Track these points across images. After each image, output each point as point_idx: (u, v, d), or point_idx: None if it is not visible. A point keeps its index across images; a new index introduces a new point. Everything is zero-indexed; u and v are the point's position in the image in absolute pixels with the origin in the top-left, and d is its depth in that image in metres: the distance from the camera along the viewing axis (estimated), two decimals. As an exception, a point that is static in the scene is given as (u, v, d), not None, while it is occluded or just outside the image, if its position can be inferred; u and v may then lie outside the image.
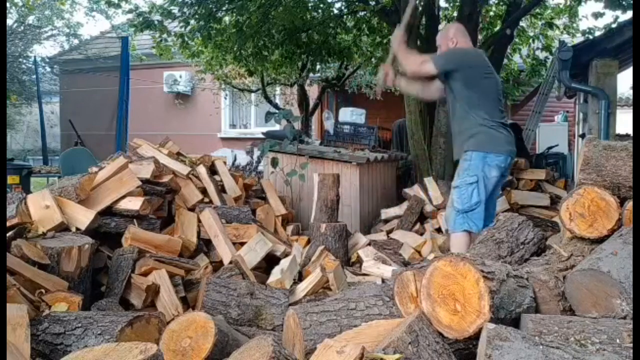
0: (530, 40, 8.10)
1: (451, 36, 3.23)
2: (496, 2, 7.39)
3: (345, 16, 7.40)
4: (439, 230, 4.34)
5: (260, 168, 7.03)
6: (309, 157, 4.80)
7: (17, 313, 1.67)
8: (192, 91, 11.96)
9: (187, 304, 2.72)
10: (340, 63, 8.68)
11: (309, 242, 3.85)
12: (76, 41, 13.43)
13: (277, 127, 7.59)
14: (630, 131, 6.16)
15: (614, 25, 6.23)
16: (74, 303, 2.09)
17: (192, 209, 3.54)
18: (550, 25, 7.64)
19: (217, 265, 3.14)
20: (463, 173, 3.04)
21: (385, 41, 7.59)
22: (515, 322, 1.69)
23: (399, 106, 6.76)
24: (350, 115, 6.24)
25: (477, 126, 3.02)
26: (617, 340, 1.42)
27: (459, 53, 3.16)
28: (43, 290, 2.11)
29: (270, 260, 3.33)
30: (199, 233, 3.29)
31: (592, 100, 5.69)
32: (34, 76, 11.53)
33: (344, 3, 7.31)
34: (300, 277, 3.10)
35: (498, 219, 2.64)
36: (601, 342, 1.41)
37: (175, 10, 6.29)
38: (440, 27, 6.54)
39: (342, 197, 4.20)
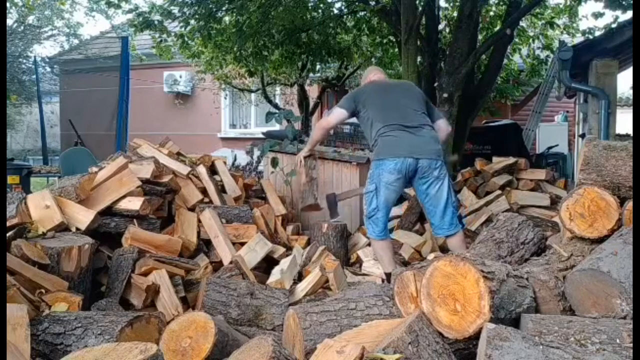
0: (530, 40, 8.10)
1: (365, 77, 3.66)
2: (496, 2, 7.39)
3: (345, 16, 7.40)
4: (439, 230, 4.33)
5: (260, 168, 7.03)
6: (309, 157, 4.79)
7: (17, 313, 1.67)
8: (192, 91, 11.96)
9: (187, 304, 2.71)
10: (340, 63, 8.68)
11: (309, 242, 3.85)
12: (76, 41, 13.43)
13: (277, 127, 7.59)
14: (630, 131, 6.16)
15: (614, 25, 6.23)
16: (74, 303, 2.09)
17: (192, 209, 3.54)
18: (550, 25, 7.64)
19: (217, 265, 3.14)
20: (366, 181, 3.25)
21: (385, 41, 7.60)
22: (515, 322, 1.69)
23: (399, 106, 6.74)
24: (350, 115, 6.22)
25: (375, 139, 3.21)
26: (617, 340, 1.42)
27: (350, 94, 3.52)
28: (43, 290, 2.11)
29: (270, 261, 3.33)
30: (199, 233, 3.29)
31: (592, 100, 5.69)
32: (34, 76, 11.53)
33: (344, 3, 7.31)
34: (301, 278, 3.10)
35: (498, 219, 2.64)
36: (601, 342, 1.41)
37: (175, 10, 6.29)
38: (440, 27, 6.55)
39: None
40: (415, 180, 3.14)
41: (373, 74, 3.61)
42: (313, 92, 9.93)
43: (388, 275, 3.02)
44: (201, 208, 3.48)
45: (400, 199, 5.01)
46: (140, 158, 3.61)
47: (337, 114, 3.40)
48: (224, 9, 6.35)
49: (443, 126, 3.42)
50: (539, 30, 8.05)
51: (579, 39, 7.61)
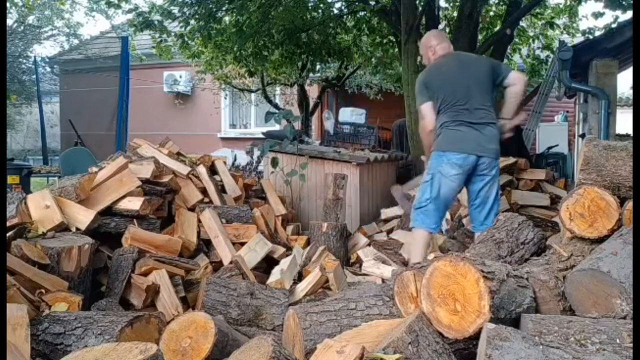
0: (530, 40, 8.11)
1: (430, 45, 3.40)
2: (496, 2, 7.39)
3: (345, 16, 7.40)
4: (439, 230, 4.33)
5: (260, 168, 7.03)
6: (309, 157, 4.80)
7: (17, 313, 1.67)
8: (192, 91, 11.96)
9: (187, 304, 2.72)
10: (340, 63, 8.69)
11: (309, 242, 3.85)
12: (76, 41, 13.44)
13: (277, 127, 7.60)
14: (630, 131, 6.16)
15: (614, 25, 6.24)
16: (74, 303, 2.09)
17: (192, 209, 3.54)
18: (550, 25, 7.65)
19: (217, 265, 3.14)
20: (425, 172, 3.23)
21: (385, 41, 7.60)
22: (515, 322, 1.69)
23: (399, 106, 6.76)
24: (350, 115, 6.24)
25: (438, 129, 3.18)
26: (617, 340, 1.42)
27: (417, 84, 3.33)
28: (43, 290, 2.11)
29: (270, 261, 3.33)
30: (199, 233, 3.29)
31: (592, 100, 5.69)
32: (34, 76, 11.54)
33: (344, 3, 7.31)
34: (301, 278, 3.10)
35: (498, 219, 2.64)
36: (601, 342, 1.41)
37: (175, 10, 6.30)
38: (440, 27, 6.56)
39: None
40: (472, 176, 3.15)
41: (436, 44, 3.35)
42: (313, 92, 9.93)
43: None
44: (201, 208, 3.48)
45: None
46: (140, 158, 3.61)
47: (428, 111, 3.23)
48: (224, 9, 6.35)
49: (517, 76, 3.25)
50: (539, 30, 8.06)
51: (579, 39, 7.61)
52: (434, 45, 3.37)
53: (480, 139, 3.09)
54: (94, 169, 3.46)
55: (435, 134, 3.20)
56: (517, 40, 7.73)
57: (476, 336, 1.46)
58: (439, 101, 3.17)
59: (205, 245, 3.32)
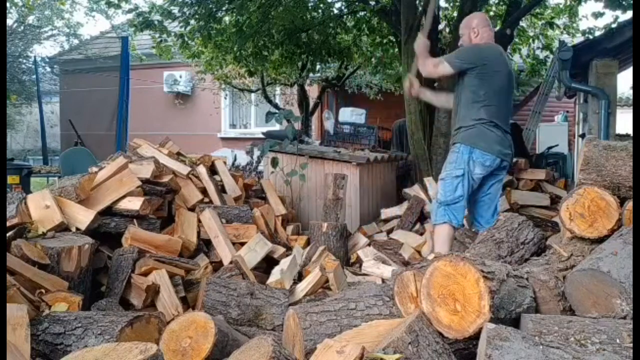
0: (530, 40, 8.11)
1: (474, 26, 3.27)
2: (496, 2, 7.39)
3: (345, 16, 7.40)
4: (439, 230, 4.32)
5: (260, 168, 7.03)
6: (309, 157, 4.80)
7: (17, 313, 1.67)
8: (192, 91, 11.96)
9: (187, 304, 2.71)
10: (340, 63, 8.69)
11: (309, 242, 3.84)
12: (76, 41, 13.45)
13: (277, 127, 7.60)
14: (630, 131, 6.16)
15: (614, 25, 6.24)
16: (74, 303, 2.09)
17: (192, 209, 3.54)
18: (550, 25, 7.65)
19: (217, 265, 3.14)
20: (450, 165, 3.17)
21: (385, 41, 7.60)
22: (515, 322, 1.69)
23: (399, 106, 6.76)
24: (350, 115, 6.23)
25: (472, 121, 3.13)
26: (617, 340, 1.42)
27: (473, 51, 3.20)
28: (43, 290, 2.11)
29: (270, 261, 3.33)
30: (199, 233, 3.29)
31: (592, 100, 5.69)
32: (34, 76, 11.54)
33: (344, 3, 7.31)
34: (301, 278, 3.10)
35: (498, 219, 2.64)
36: (601, 342, 1.41)
37: (175, 10, 6.30)
38: (440, 27, 6.56)
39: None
40: (487, 175, 3.20)
41: (481, 27, 3.23)
42: (313, 92, 9.93)
43: None
44: (201, 208, 3.48)
45: (401, 199, 5.03)
46: (140, 158, 3.61)
47: (443, 71, 3.17)
48: (224, 9, 6.35)
49: None
50: (539, 30, 8.06)
51: (579, 39, 7.62)
52: (477, 26, 3.24)
53: (504, 144, 3.16)
54: (94, 169, 3.46)
55: (468, 125, 3.14)
56: (517, 40, 7.73)
57: (476, 336, 1.46)
58: (483, 89, 3.09)
59: (205, 245, 3.32)
